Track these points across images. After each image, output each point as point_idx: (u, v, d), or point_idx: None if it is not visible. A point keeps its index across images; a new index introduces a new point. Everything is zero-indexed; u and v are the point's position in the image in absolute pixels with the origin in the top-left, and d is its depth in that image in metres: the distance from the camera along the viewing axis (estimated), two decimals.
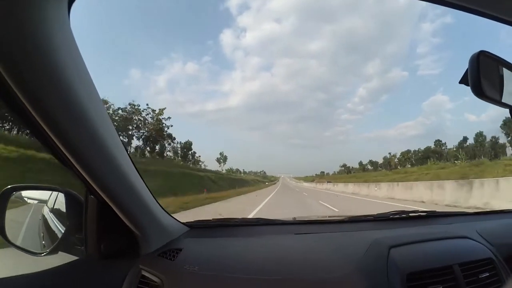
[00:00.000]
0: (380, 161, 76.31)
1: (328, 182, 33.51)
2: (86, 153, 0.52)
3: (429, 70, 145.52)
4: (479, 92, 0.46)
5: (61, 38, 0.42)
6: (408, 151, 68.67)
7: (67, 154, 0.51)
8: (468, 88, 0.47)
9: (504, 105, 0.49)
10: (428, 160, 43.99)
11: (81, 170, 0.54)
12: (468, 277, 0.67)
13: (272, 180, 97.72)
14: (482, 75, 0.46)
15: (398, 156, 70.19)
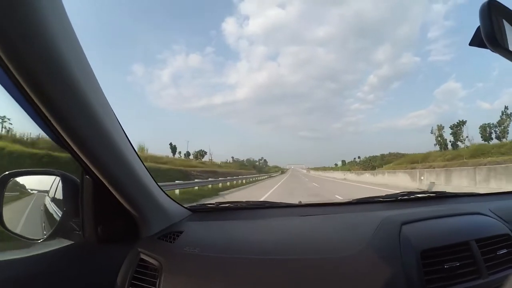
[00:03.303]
0: None
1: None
2: (80, 127, 0.50)
3: (441, 56, 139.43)
4: (494, 44, 0.44)
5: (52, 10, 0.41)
6: None
7: (59, 129, 0.48)
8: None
9: None
10: None
11: (73, 144, 0.52)
12: (485, 254, 0.64)
13: (274, 172, 62.05)
14: (495, 26, 0.44)
15: None
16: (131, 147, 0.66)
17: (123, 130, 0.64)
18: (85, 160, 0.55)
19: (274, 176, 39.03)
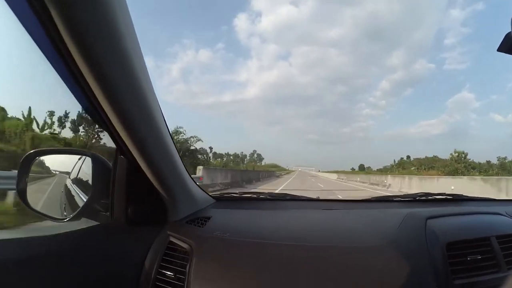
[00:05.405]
0: None
1: None
2: (126, 106, 0.50)
3: (456, 64, 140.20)
4: None
5: None
6: None
7: (109, 111, 0.49)
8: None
9: None
10: None
11: (119, 124, 0.52)
12: (504, 250, 0.68)
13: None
14: None
15: None
16: (168, 131, 0.66)
17: (162, 114, 0.65)
18: (126, 140, 0.56)
19: None
